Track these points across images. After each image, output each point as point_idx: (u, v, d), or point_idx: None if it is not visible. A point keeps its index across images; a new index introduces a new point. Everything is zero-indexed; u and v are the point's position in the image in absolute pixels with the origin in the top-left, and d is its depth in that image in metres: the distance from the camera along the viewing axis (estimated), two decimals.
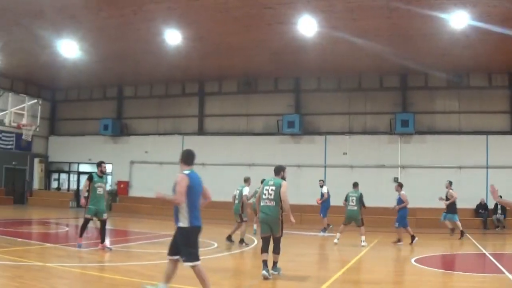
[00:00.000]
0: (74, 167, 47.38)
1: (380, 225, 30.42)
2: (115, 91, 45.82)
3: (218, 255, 17.81)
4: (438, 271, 14.92)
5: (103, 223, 17.92)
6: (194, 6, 25.03)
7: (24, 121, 27.46)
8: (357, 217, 22.00)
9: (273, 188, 13.95)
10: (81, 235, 17.76)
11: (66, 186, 47.42)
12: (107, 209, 38.93)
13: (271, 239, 13.77)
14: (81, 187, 43.95)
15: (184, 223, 10.14)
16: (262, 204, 13.95)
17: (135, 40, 30.83)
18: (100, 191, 17.71)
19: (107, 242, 18.27)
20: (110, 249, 17.62)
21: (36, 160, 45.59)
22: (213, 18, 26.58)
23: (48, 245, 18.14)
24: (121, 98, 45.66)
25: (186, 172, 10.45)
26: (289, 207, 13.68)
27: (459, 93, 35.02)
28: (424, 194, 31.30)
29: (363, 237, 21.50)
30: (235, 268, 15.16)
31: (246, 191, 21.63)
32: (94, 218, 18.38)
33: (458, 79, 34.33)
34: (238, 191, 21.79)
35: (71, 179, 47.48)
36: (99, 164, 18.46)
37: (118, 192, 43.31)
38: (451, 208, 26.18)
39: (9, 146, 42.39)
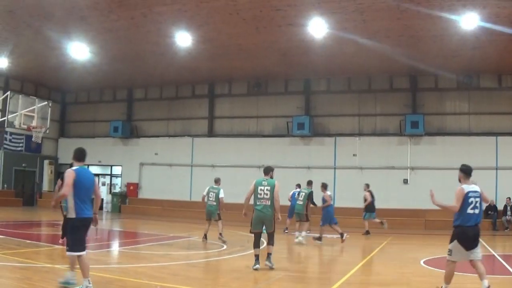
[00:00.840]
0: None
1: (388, 227, 30.37)
2: (125, 93, 45.87)
3: (227, 256, 17.79)
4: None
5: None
6: (204, 8, 25.00)
7: (34, 123, 27.48)
8: (302, 212, 23.12)
9: (268, 188, 14.85)
10: (63, 236, 17.61)
11: None
12: (118, 210, 39.20)
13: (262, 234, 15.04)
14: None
15: (71, 214, 11.00)
16: (258, 203, 14.86)
17: (145, 42, 30.84)
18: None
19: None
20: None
21: (46, 162, 45.66)
22: (223, 20, 26.54)
23: (57, 246, 18.11)
24: (131, 100, 45.71)
25: (74, 168, 11.37)
26: (279, 206, 14.87)
27: (469, 94, 34.82)
28: (435, 196, 31.15)
29: (303, 233, 22.67)
30: (245, 269, 15.13)
31: (223, 192, 22.96)
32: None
33: (468, 80, 34.16)
34: (213, 193, 22.72)
35: None
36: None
37: (127, 194, 43.35)
38: (369, 208, 28.24)
39: (19, 148, 42.49)
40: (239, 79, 40.22)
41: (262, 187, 14.92)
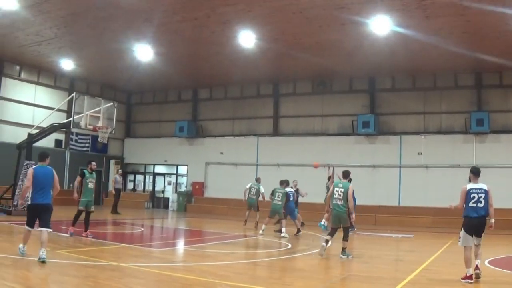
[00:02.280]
0: (149, 169, 47.99)
1: (452, 226, 29.97)
2: (190, 93, 46.18)
3: (292, 255, 17.77)
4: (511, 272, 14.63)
5: (89, 214, 20.02)
6: (267, 8, 24.98)
7: (100, 123, 27.85)
8: (280, 211, 24.45)
9: (342, 190, 17.08)
10: (73, 224, 19.82)
11: (142, 187, 47.90)
12: (183, 209, 39.54)
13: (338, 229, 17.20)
14: (157, 188, 44.76)
15: (29, 201, 14.34)
16: (333, 202, 17.13)
17: (209, 43, 30.95)
18: (90, 185, 20.05)
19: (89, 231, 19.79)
20: (92, 237, 19.28)
21: (112, 161, 46.25)
22: (286, 19, 26.47)
23: (123, 245, 18.34)
24: (196, 100, 45.98)
25: (34, 166, 14.35)
26: (352, 206, 17.06)
27: None
28: (500, 194, 30.51)
29: (283, 229, 23.96)
30: (309, 269, 15.08)
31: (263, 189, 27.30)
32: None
33: None
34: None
35: (146, 180, 47.96)
36: (89, 162, 20.76)
37: (193, 193, 43.58)
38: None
39: (85, 148, 43.09)
40: (303, 78, 40.07)
41: (338, 189, 17.24)
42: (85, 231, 19.54)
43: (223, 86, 44.19)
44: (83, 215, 19.94)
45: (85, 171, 20.21)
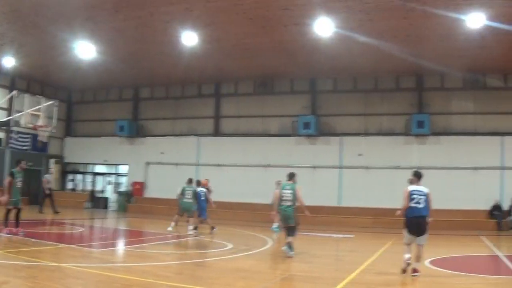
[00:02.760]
0: (89, 168, 47.64)
1: (393, 227, 30.35)
2: (131, 93, 45.94)
3: (233, 256, 17.79)
4: (452, 272, 14.83)
5: (19, 211, 20.11)
6: (211, 8, 25.05)
7: (40, 122, 27.52)
8: (191, 209, 25.51)
9: (290, 191, 17.80)
10: (6, 225, 19.71)
11: (81, 187, 47.51)
12: (123, 209, 39.44)
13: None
14: (97, 187, 44.43)
15: None
16: (281, 204, 17.80)
17: (151, 42, 30.87)
18: (19, 184, 20.10)
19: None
20: (23, 234, 19.44)
21: (52, 161, 45.72)
22: (229, 20, 26.58)
23: (63, 245, 18.19)
24: (137, 100, 45.77)
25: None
26: (304, 203, 17.90)
27: (475, 94, 34.73)
28: (440, 196, 30.84)
29: (191, 226, 25.17)
30: (249, 269, 15.16)
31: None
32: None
33: (474, 79, 34.15)
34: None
35: (86, 180, 47.58)
36: (19, 161, 20.93)
37: (133, 193, 43.34)
38: None
39: (25, 147, 42.51)
40: (245, 78, 40.20)
41: (285, 191, 17.93)
42: (16, 227, 19.77)
43: (165, 85, 44.11)
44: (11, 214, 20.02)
45: (14, 170, 20.40)
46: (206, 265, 15.80)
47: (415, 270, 13.39)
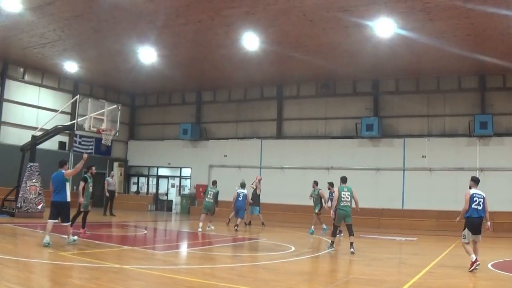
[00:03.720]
0: (153, 171, 48.01)
1: (457, 229, 29.91)
2: (194, 96, 46.32)
3: (295, 258, 17.73)
4: None
5: (87, 214, 21.69)
6: (271, 10, 25.00)
7: (103, 126, 27.84)
8: (211, 208, 26.98)
9: (349, 193, 19.92)
10: (84, 226, 21.32)
11: (145, 190, 47.95)
12: (187, 212, 39.80)
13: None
14: (161, 190, 44.82)
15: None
16: (341, 204, 19.63)
17: (213, 45, 31.02)
18: (90, 189, 21.81)
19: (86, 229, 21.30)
20: (90, 233, 21.11)
21: (116, 164, 46.23)
22: (290, 22, 26.49)
23: (126, 247, 18.33)
24: (200, 103, 46.07)
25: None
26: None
27: None
28: (503, 197, 30.57)
29: (211, 225, 27.62)
30: (312, 271, 15.09)
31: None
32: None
33: None
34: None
35: (150, 183, 48.02)
36: (90, 168, 22.74)
37: (196, 196, 43.52)
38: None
39: (89, 151, 43.10)
40: (307, 80, 40.10)
41: (345, 193, 19.87)
42: (83, 227, 21.11)
43: (227, 88, 44.29)
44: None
45: (86, 176, 21.81)
46: (269, 267, 15.72)
47: (476, 260, 14.69)
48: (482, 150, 33.72)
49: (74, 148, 42.22)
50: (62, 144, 41.48)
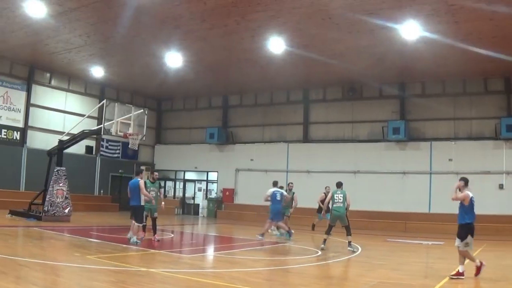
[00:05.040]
0: (180, 175, 48.22)
1: (486, 233, 29.78)
2: (220, 100, 46.50)
3: (322, 262, 17.72)
4: None
5: (155, 220, 21.98)
6: (296, 14, 25.00)
7: (130, 130, 27.95)
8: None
9: (342, 195, 21.47)
10: (155, 232, 21.85)
11: (172, 194, 48.04)
12: (213, 215, 39.78)
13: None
14: (187, 194, 44.96)
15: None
16: (334, 205, 21.32)
17: (239, 50, 31.09)
18: (153, 194, 21.78)
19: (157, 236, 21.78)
20: (158, 240, 21.49)
21: (143, 168, 46.37)
22: (316, 25, 26.45)
23: (153, 251, 18.41)
24: (226, 107, 46.23)
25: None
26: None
27: None
28: None
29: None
30: (339, 276, 15.09)
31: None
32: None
33: None
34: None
35: (177, 186, 48.18)
36: (152, 172, 23.82)
37: (223, 199, 43.67)
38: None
39: (116, 155, 43.43)
40: (333, 84, 40.08)
41: (337, 195, 21.51)
42: (154, 234, 21.65)
43: (253, 92, 44.39)
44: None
45: (147, 181, 22.23)
46: (296, 271, 15.73)
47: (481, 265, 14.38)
48: (509, 153, 33.43)
49: (101, 153, 42.53)
50: (89, 149, 41.81)
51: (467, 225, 14.64)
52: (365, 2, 23.25)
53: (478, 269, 14.09)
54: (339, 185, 22.03)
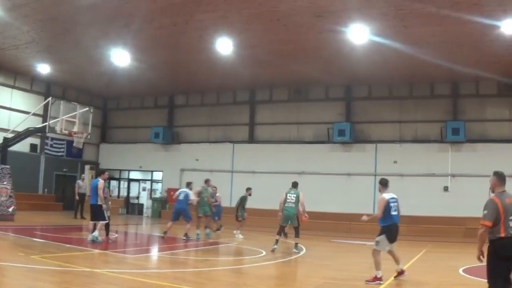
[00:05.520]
0: (124, 175, 47.89)
1: (428, 235, 30.16)
2: (167, 100, 46.31)
3: (267, 262, 17.79)
4: (485, 281, 14.73)
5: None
6: (245, 15, 25.04)
7: (75, 128, 27.77)
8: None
9: (295, 195, 21.41)
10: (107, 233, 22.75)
11: (116, 193, 47.70)
12: (158, 215, 39.72)
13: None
14: (132, 194, 44.74)
15: None
16: (286, 205, 21.21)
17: (186, 49, 30.98)
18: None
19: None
20: (112, 240, 22.26)
21: (87, 167, 45.99)
22: (264, 27, 26.53)
23: (97, 251, 18.28)
24: (172, 107, 46.07)
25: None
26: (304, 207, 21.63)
27: (510, 100, 34.32)
28: (474, 203, 30.68)
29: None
30: (284, 276, 15.18)
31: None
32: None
33: (509, 86, 33.74)
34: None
35: (121, 186, 47.84)
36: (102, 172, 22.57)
37: (168, 199, 43.46)
38: None
39: (60, 153, 42.97)
40: (280, 85, 40.17)
41: (290, 195, 21.53)
42: (107, 235, 22.54)
43: (200, 92, 44.25)
44: None
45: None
46: (240, 272, 15.81)
47: (402, 271, 14.46)
48: (454, 156, 34.01)
49: (46, 151, 42.04)
50: (33, 147, 41.25)
51: (382, 227, 14.49)
52: (314, 5, 23.37)
53: (374, 279, 13.69)
54: (294, 185, 22.19)
